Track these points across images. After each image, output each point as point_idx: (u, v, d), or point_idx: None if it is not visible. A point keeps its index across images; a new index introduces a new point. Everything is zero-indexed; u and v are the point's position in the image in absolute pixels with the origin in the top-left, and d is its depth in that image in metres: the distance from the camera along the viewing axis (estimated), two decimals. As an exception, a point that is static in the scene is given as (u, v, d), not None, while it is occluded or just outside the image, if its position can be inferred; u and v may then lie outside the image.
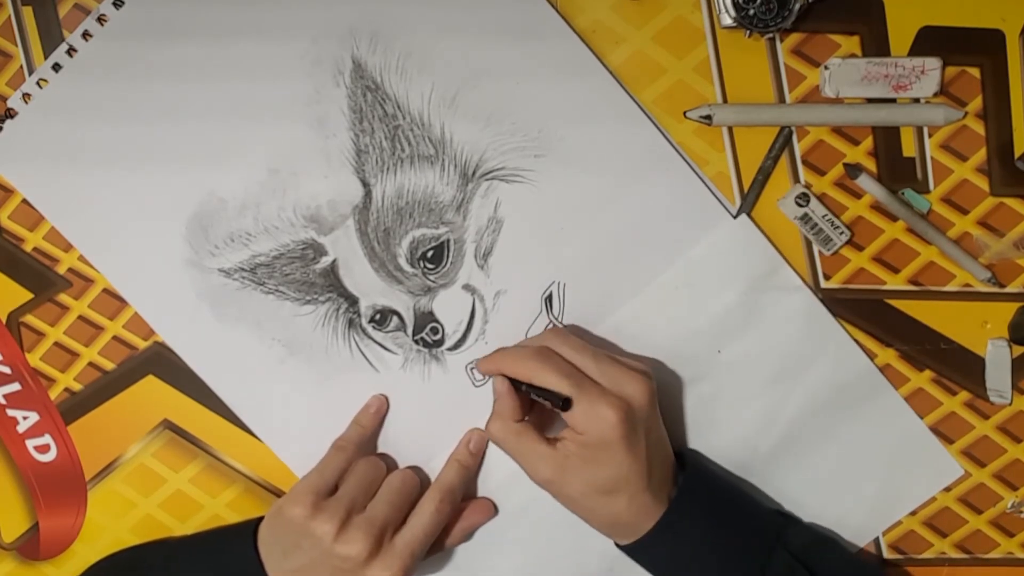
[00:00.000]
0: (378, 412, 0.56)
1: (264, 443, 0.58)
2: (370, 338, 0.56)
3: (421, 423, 0.57)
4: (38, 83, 0.54)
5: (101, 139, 0.54)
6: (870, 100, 0.53)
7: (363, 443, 0.56)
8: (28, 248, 0.56)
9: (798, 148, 0.54)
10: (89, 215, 0.55)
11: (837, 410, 0.56)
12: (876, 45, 0.53)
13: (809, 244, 0.55)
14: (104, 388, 0.58)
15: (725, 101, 0.54)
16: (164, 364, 0.57)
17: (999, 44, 0.53)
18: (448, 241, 0.55)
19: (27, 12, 0.54)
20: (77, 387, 0.58)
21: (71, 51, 0.54)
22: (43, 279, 0.57)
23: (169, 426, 0.58)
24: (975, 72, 0.53)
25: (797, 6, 0.51)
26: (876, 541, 0.58)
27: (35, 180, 0.55)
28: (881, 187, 0.54)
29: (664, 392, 0.55)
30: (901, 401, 0.56)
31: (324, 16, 0.53)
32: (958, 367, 0.56)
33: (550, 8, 0.53)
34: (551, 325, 0.56)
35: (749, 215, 0.55)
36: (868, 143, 0.54)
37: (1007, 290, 0.55)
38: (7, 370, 0.58)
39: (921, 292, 0.55)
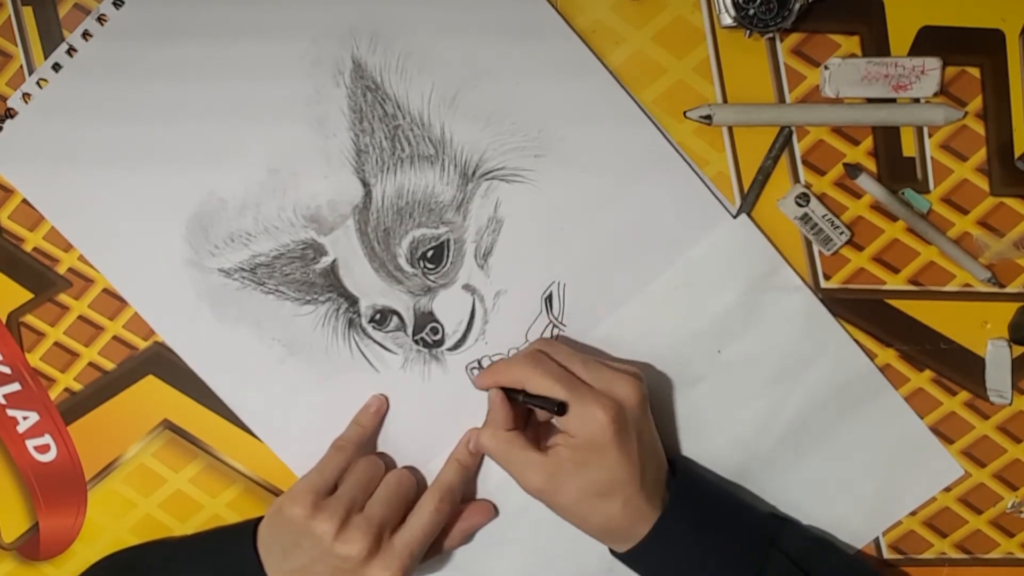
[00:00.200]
0: (378, 412, 0.56)
1: (264, 443, 0.58)
2: (370, 338, 0.56)
3: (421, 423, 0.57)
4: (38, 83, 0.54)
5: (101, 139, 0.54)
6: (870, 100, 0.53)
7: (363, 443, 0.56)
8: (28, 248, 0.56)
9: (798, 148, 0.54)
10: (89, 215, 0.55)
11: (837, 410, 0.56)
12: (876, 45, 0.53)
13: (809, 244, 0.55)
14: (104, 388, 0.58)
15: (725, 101, 0.54)
16: (164, 364, 0.57)
17: (999, 44, 0.53)
18: (448, 241, 0.55)
19: (27, 12, 0.54)
20: (77, 387, 0.58)
21: (71, 51, 0.54)
22: (43, 279, 0.57)
23: (169, 426, 0.58)
24: (975, 72, 0.53)
25: (797, 6, 0.51)
26: (876, 541, 0.58)
27: (35, 180, 0.55)
28: (881, 187, 0.54)
29: (664, 392, 0.56)
30: (901, 401, 0.56)
31: (324, 16, 0.53)
32: (958, 367, 0.56)
33: (550, 8, 0.53)
34: (551, 325, 0.56)
35: (749, 215, 0.55)
36: (868, 143, 0.54)
37: (1007, 290, 0.55)
38: (7, 370, 0.58)
39: (921, 292, 0.55)
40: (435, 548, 0.55)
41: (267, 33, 0.53)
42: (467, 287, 0.55)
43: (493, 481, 0.57)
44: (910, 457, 0.57)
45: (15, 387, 0.58)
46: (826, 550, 0.55)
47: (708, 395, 0.56)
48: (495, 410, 0.52)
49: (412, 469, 0.56)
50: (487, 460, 0.57)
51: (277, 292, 0.56)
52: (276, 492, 0.58)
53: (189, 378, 0.57)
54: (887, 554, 0.58)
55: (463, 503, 0.56)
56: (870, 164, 0.54)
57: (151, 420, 0.58)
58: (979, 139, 0.54)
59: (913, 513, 0.58)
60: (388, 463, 0.57)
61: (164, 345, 0.57)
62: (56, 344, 0.57)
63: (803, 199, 0.54)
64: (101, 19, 0.53)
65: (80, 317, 0.57)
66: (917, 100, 0.53)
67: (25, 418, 0.58)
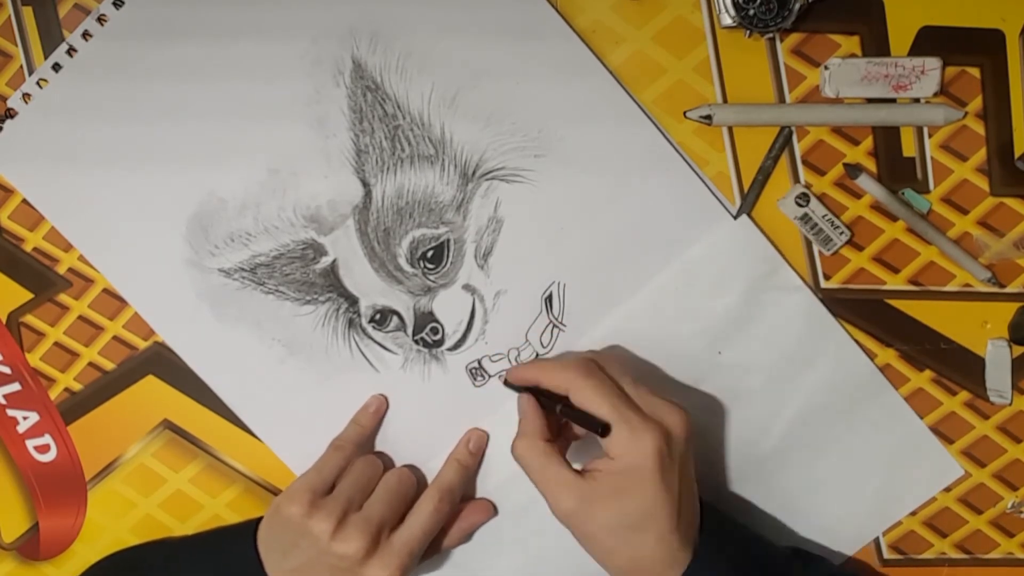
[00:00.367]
0: (377, 412, 0.56)
1: (264, 443, 0.58)
2: (370, 338, 0.56)
3: (421, 423, 0.57)
4: (38, 83, 0.54)
5: (101, 139, 0.54)
6: (870, 100, 0.53)
7: (362, 442, 0.56)
8: (28, 248, 0.56)
9: (798, 148, 0.54)
10: (89, 215, 0.55)
11: (837, 410, 0.56)
12: (876, 45, 0.53)
13: (809, 244, 0.55)
14: (104, 388, 0.58)
15: (725, 101, 0.54)
16: (164, 364, 0.57)
17: (999, 44, 0.53)
18: (448, 241, 0.55)
19: (27, 12, 0.54)
20: (77, 387, 0.58)
21: (71, 51, 0.54)
22: (43, 279, 0.57)
23: (169, 426, 0.58)
24: (975, 72, 0.53)
25: (797, 6, 0.51)
26: (876, 541, 0.58)
27: (35, 180, 0.55)
28: (881, 187, 0.54)
29: (664, 392, 0.55)
30: (901, 401, 0.56)
31: (324, 16, 0.53)
32: (958, 367, 0.56)
33: (550, 8, 0.53)
34: (551, 325, 0.56)
35: (749, 215, 0.55)
36: (868, 143, 0.54)
37: (1007, 290, 0.55)
38: (7, 370, 0.58)
39: (921, 292, 0.55)
40: (434, 547, 0.55)
41: (267, 33, 0.53)
42: (467, 287, 0.55)
43: (493, 481, 0.57)
44: (910, 457, 0.57)
45: (15, 387, 0.58)
46: None
47: (708, 395, 0.56)
48: (530, 418, 0.50)
49: (412, 468, 0.56)
50: (487, 460, 0.57)
51: (277, 292, 0.56)
52: (276, 492, 0.58)
53: (189, 378, 0.57)
54: (887, 554, 0.58)
55: (462, 502, 0.56)
56: (870, 164, 0.54)
57: (151, 420, 0.58)
58: (979, 139, 0.54)
59: (913, 513, 0.58)
60: (388, 463, 0.57)
61: (164, 345, 0.57)
62: (56, 344, 0.57)
63: (803, 199, 0.54)
64: (101, 19, 0.53)
65: (80, 317, 0.57)
66: (917, 100, 0.53)
67: (25, 418, 0.58)
